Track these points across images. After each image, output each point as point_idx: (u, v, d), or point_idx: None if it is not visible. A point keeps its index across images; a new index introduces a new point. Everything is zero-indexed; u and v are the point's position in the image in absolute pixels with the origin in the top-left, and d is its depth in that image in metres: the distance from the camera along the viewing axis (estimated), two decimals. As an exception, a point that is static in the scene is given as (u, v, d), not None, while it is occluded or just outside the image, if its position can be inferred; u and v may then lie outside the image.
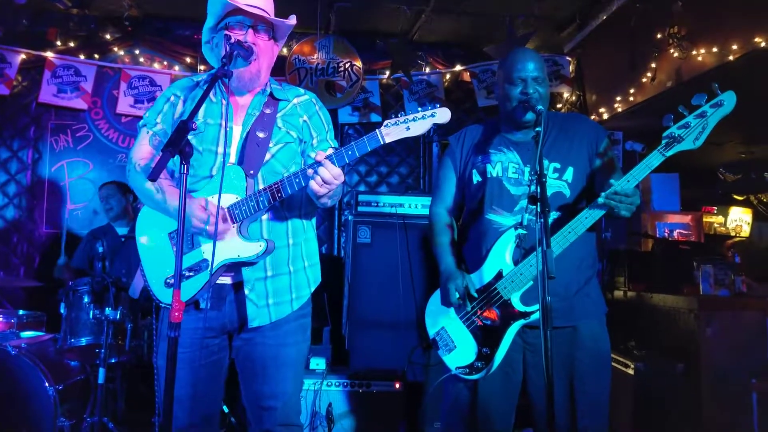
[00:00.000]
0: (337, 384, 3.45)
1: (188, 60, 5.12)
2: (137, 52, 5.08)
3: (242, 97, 2.20)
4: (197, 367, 2.10)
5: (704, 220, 6.33)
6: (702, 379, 3.38)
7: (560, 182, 2.31)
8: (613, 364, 3.63)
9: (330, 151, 1.91)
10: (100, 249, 3.50)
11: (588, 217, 2.14)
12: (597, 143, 2.35)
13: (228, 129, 2.11)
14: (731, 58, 3.66)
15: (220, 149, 2.09)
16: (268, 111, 2.16)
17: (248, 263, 2.05)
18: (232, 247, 2.00)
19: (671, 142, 2.09)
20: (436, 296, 2.42)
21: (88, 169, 4.97)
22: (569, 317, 2.24)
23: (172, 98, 2.22)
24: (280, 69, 5.11)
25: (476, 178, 2.40)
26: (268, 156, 2.10)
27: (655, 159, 2.11)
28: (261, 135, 2.10)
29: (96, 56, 4.99)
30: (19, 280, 4.73)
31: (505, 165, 2.35)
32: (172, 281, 1.98)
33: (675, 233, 5.66)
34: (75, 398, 3.43)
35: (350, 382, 3.47)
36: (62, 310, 3.40)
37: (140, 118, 5.29)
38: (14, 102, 4.92)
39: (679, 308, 3.65)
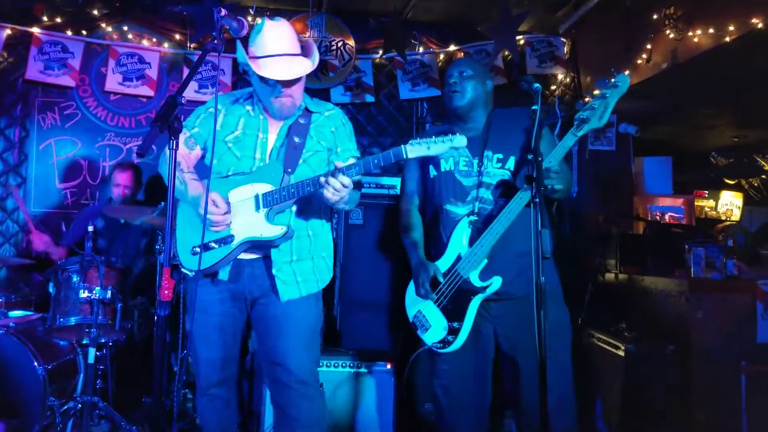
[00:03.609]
0: (328, 364, 3.45)
1: (177, 37, 5.03)
2: (126, 28, 4.99)
3: None
4: (227, 333, 2.42)
5: (696, 203, 6.37)
6: (692, 361, 3.40)
7: (504, 170, 2.58)
8: (604, 345, 3.66)
9: (351, 161, 2.31)
10: (91, 228, 3.45)
11: (522, 197, 2.42)
12: (531, 136, 2.64)
13: (263, 139, 2.42)
14: (727, 39, 3.63)
15: (257, 155, 2.40)
16: (302, 121, 2.44)
17: (269, 244, 2.31)
18: (257, 227, 2.28)
19: (581, 123, 2.41)
20: (411, 286, 2.71)
21: (76, 147, 4.90)
22: (526, 286, 2.46)
23: (211, 109, 2.47)
24: (272, 47, 5.03)
25: (432, 172, 2.71)
26: (301, 160, 2.40)
27: (569, 140, 2.42)
28: (297, 140, 2.40)
29: (84, 32, 4.90)
30: (7, 259, 4.68)
31: (456, 159, 2.65)
32: (197, 250, 2.29)
33: (666, 216, 5.70)
34: (64, 378, 3.41)
35: (341, 362, 3.47)
36: (51, 290, 3.37)
37: (129, 95, 5.26)
38: (0, 79, 4.83)
39: (670, 291, 3.67)
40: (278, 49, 2.28)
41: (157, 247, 3.60)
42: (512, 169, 2.58)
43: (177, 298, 3.91)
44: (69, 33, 4.84)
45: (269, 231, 2.27)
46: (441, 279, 2.55)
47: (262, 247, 2.34)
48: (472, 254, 2.49)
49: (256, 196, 2.31)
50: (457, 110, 2.67)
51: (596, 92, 2.48)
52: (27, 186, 4.82)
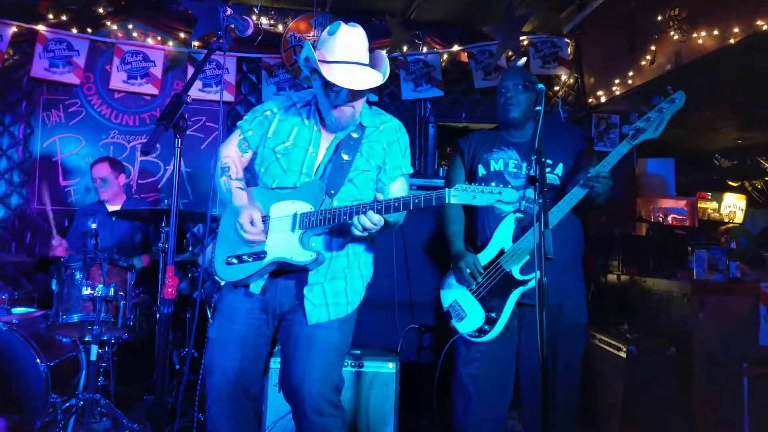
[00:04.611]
0: (331, 363, 3.45)
1: (182, 35, 5.04)
2: (131, 26, 5.00)
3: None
4: (248, 345, 2.30)
5: (699, 205, 6.35)
6: (693, 363, 3.40)
7: (552, 175, 2.73)
8: (605, 346, 3.65)
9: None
10: (92, 226, 3.47)
11: (572, 198, 2.55)
12: (580, 146, 2.82)
13: (312, 154, 2.32)
14: (732, 41, 3.62)
15: (303, 170, 2.32)
16: (355, 135, 2.35)
17: (298, 267, 2.23)
18: (289, 249, 2.20)
19: (636, 133, 2.54)
20: (449, 276, 2.81)
21: (80, 145, 4.92)
22: (557, 294, 2.56)
23: (268, 113, 2.41)
24: (276, 46, 5.05)
25: (481, 171, 2.82)
26: (346, 180, 2.31)
27: (624, 147, 2.53)
28: (345, 157, 2.30)
29: (89, 30, 4.91)
30: (11, 255, 4.69)
31: (506, 161, 2.80)
32: (232, 261, 2.26)
33: (669, 218, 5.68)
34: (66, 375, 3.42)
35: (344, 362, 3.46)
36: (54, 287, 3.37)
37: (133, 93, 5.27)
38: (5, 76, 4.84)
39: (672, 292, 3.67)
40: (351, 56, 2.19)
41: (160, 245, 3.61)
42: (560, 174, 2.73)
43: (179, 296, 3.95)
44: (74, 31, 4.85)
45: (299, 255, 2.20)
46: (481, 270, 2.66)
47: (292, 268, 2.26)
48: (516, 249, 2.60)
49: (294, 215, 2.24)
50: (511, 121, 2.80)
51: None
52: (31, 183, 4.84)
